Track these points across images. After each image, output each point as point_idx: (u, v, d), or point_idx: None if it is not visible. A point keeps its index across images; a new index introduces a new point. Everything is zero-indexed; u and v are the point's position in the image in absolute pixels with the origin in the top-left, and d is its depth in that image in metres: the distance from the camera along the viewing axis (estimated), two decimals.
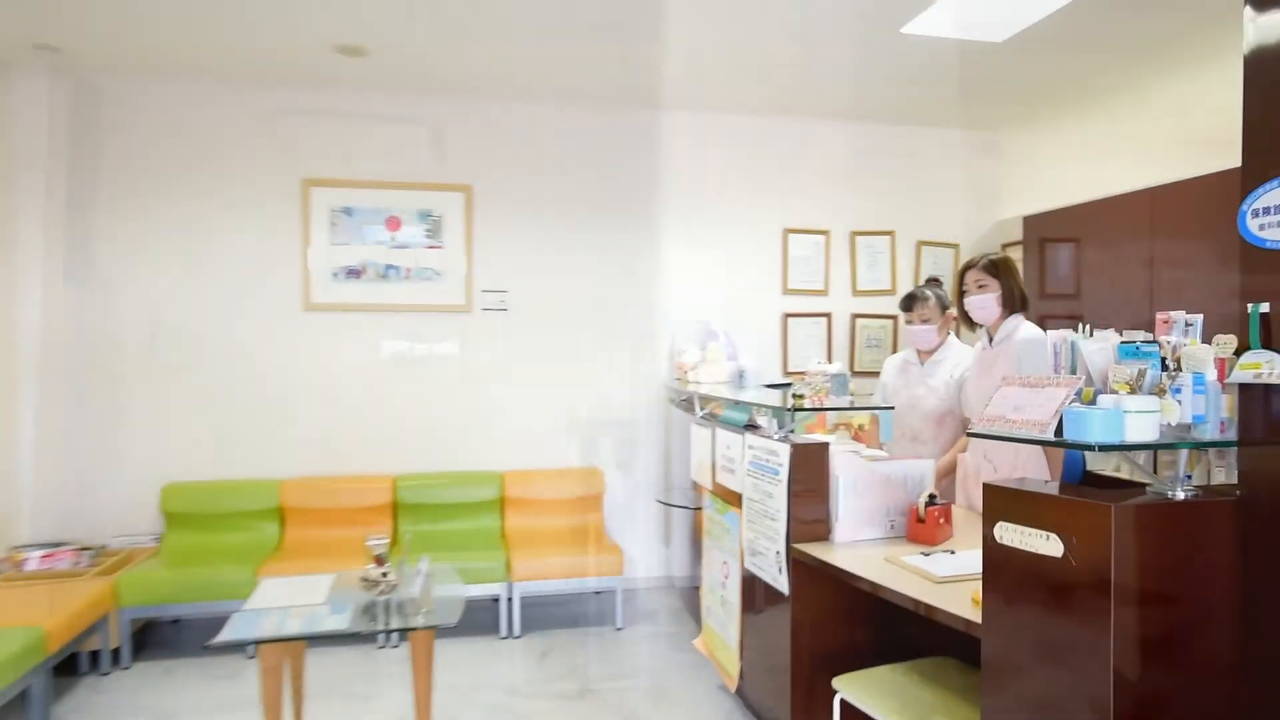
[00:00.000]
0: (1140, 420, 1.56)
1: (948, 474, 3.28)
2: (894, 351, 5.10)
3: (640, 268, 4.79)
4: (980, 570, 1.78)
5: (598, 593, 4.59)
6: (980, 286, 3.01)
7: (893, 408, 2.61)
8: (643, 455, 4.81)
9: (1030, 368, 2.85)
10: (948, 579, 2.11)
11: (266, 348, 4.37)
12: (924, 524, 2.51)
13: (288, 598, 2.71)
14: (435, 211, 4.51)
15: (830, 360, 5.03)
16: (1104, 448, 1.54)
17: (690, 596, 4.42)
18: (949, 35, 3.70)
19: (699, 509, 3.56)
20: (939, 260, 5.20)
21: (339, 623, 2.48)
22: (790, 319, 4.98)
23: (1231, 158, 1.78)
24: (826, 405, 2.63)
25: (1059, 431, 1.61)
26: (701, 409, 3.70)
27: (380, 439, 4.49)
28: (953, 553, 2.37)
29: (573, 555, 4.11)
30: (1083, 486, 1.75)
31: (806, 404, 2.63)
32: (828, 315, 5.03)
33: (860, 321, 5.07)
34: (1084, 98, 4.61)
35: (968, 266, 3.09)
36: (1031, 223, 4.59)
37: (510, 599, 4.04)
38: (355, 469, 4.45)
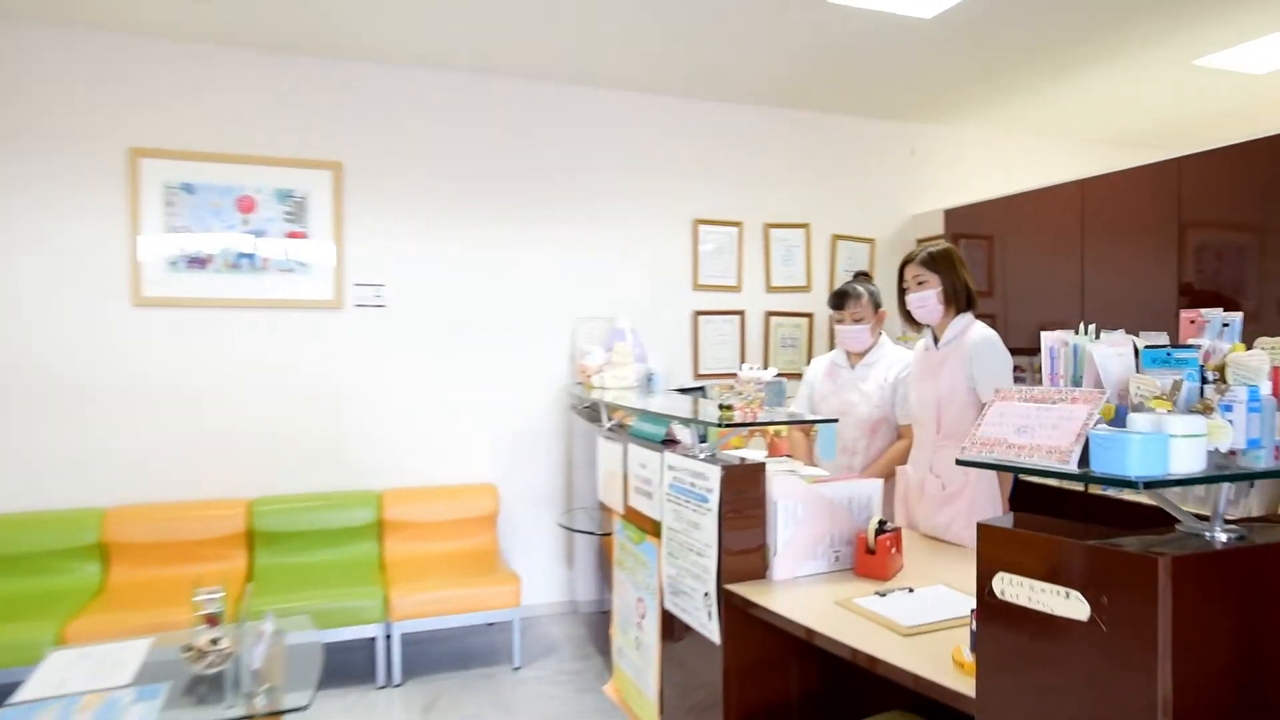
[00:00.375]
0: (1186, 447, 1.23)
1: (882, 476, 2.97)
2: (810, 352, 4.82)
3: (539, 260, 4.30)
4: (950, 616, 1.42)
5: (492, 624, 4.08)
6: (920, 283, 2.71)
7: (835, 420, 2.26)
8: (542, 469, 4.33)
9: (984, 374, 2.56)
10: (917, 630, 1.75)
11: (85, 351, 3.63)
12: (874, 555, 2.16)
13: (84, 676, 2.09)
14: (298, 191, 3.88)
15: (744, 361, 4.69)
16: (1149, 484, 1.20)
17: (597, 624, 3.98)
18: (872, 7, 3.40)
19: (608, 534, 3.12)
20: (855, 255, 4.96)
21: (146, 715, 1.89)
22: (701, 317, 4.61)
23: (1159, 152, 1.49)
24: (761, 419, 2.23)
25: (1084, 461, 1.26)
26: (609, 419, 3.26)
27: (231, 457, 3.83)
28: (910, 590, 2.02)
29: (463, 585, 3.59)
30: (1081, 524, 1.42)
31: (737, 417, 2.24)
32: (741, 313, 4.69)
33: (775, 320, 4.77)
34: (1005, 90, 4.45)
35: (907, 261, 2.78)
36: (952, 217, 4.40)
37: (389, 640, 3.48)
38: (200, 494, 3.76)
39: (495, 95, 4.20)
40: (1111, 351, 1.40)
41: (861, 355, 3.13)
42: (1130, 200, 3.45)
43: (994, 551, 1.40)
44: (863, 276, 3.21)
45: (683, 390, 4.35)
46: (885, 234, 5.03)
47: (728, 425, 2.14)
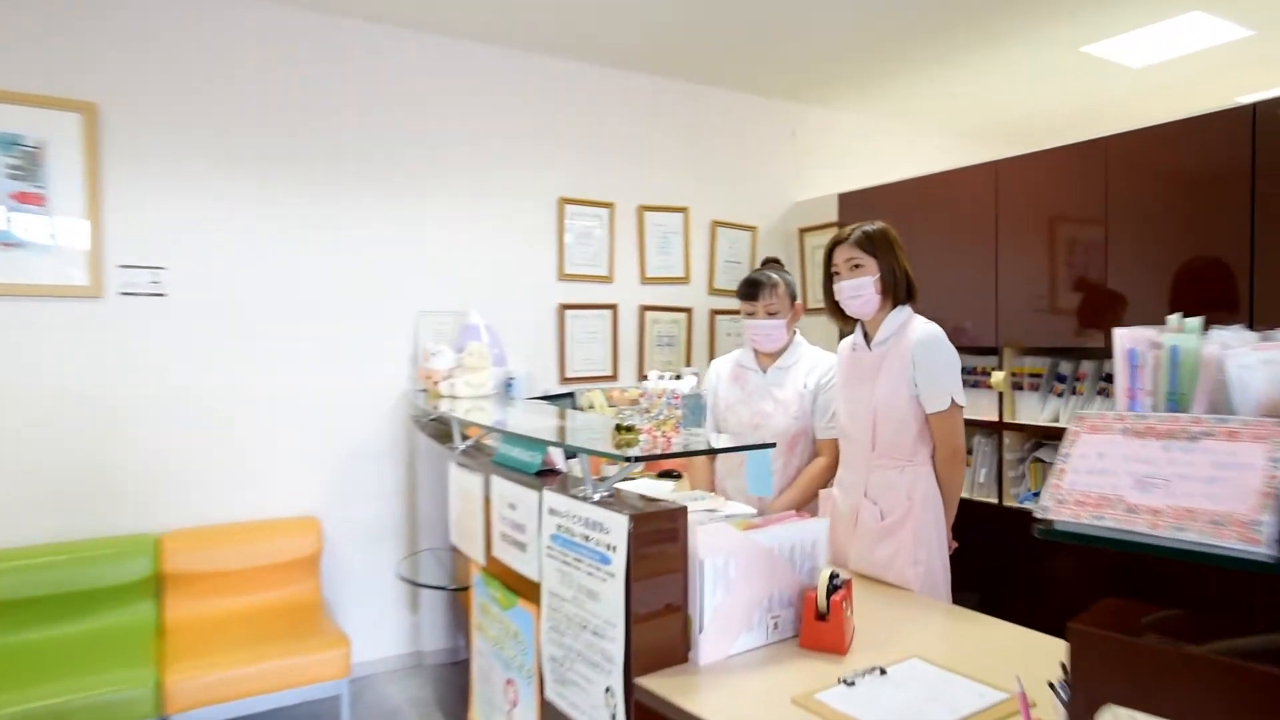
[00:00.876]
0: None
1: (797, 507, 2.50)
2: (688, 352, 4.32)
3: (372, 241, 3.52)
4: (952, 715, 0.91)
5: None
6: (855, 266, 2.24)
7: (772, 445, 1.73)
8: (378, 497, 3.55)
9: (930, 378, 2.11)
10: None
11: None
12: (826, 621, 1.64)
13: None
14: (29, 138, 2.90)
15: (617, 361, 4.13)
16: None
17: (449, 679, 3.27)
18: None
19: (464, 589, 2.44)
20: (736, 244, 4.52)
21: None
22: (569, 311, 4.00)
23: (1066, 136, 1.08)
24: (677, 448, 1.65)
25: None
26: (463, 438, 2.58)
27: None
28: (882, 671, 1.52)
29: (273, 655, 2.78)
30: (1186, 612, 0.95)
31: (643, 444, 1.65)
32: (613, 307, 4.12)
33: (650, 315, 4.23)
34: (890, 72, 4.15)
35: (836, 242, 2.30)
36: (849, 202, 4.03)
37: None
38: None
39: (317, 37, 3.38)
40: (1256, 359, 0.93)
41: (774, 356, 2.63)
42: (1049, 184, 3.17)
43: (1095, 667, 0.89)
44: (774, 263, 2.72)
45: (548, 398, 3.72)
46: (767, 222, 4.63)
47: (634, 459, 1.54)
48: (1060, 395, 3.21)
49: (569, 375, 3.98)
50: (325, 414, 3.42)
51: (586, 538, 1.64)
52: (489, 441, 2.49)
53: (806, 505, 2.50)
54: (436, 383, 3.19)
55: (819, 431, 2.55)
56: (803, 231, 4.63)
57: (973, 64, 4.11)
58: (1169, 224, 2.87)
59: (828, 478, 2.49)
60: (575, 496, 1.69)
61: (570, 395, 3.75)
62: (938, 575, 2.15)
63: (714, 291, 4.43)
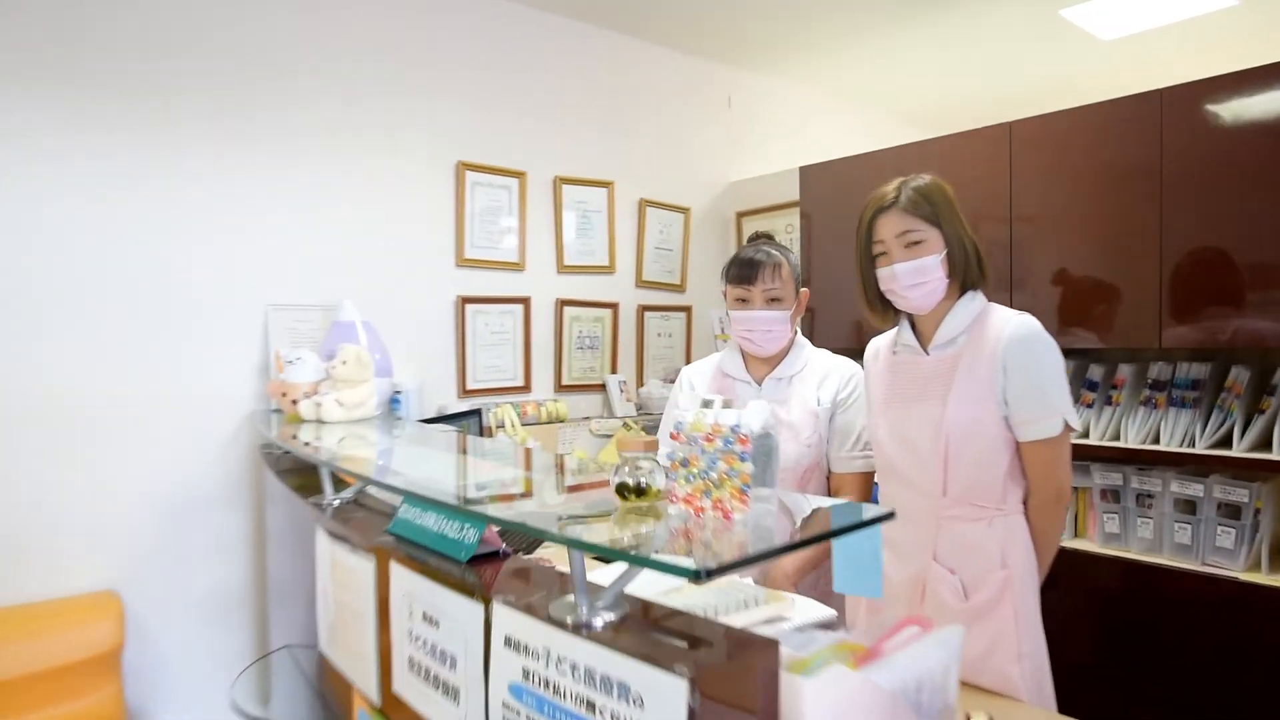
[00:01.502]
0: None
1: (813, 569, 1.85)
2: (614, 356, 3.59)
3: (207, 212, 2.58)
4: None
5: None
6: (913, 244, 1.60)
7: (889, 516, 1.05)
8: (207, 560, 2.61)
9: (1031, 392, 1.50)
10: None
11: None
12: None
13: None
14: None
15: (529, 369, 3.34)
16: None
17: None
18: None
19: None
20: (667, 228, 3.83)
21: None
22: (471, 306, 3.17)
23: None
24: (754, 542, 0.93)
25: None
26: (333, 490, 1.73)
27: None
28: None
29: None
30: None
31: (677, 526, 0.91)
32: (524, 301, 3.33)
33: (570, 312, 3.47)
34: (840, 34, 3.59)
35: (879, 209, 1.66)
36: (811, 176, 3.40)
37: None
38: None
39: None
40: None
41: (772, 362, 1.96)
42: (1069, 149, 2.63)
43: None
44: (763, 238, 2.04)
45: (447, 417, 2.89)
46: (701, 204, 3.97)
47: (710, 574, 0.80)
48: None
49: (471, 387, 3.16)
50: (133, 445, 2.45)
51: (590, 705, 0.88)
52: (383, 494, 1.67)
53: (820, 566, 1.84)
54: (295, 401, 2.31)
55: (838, 464, 1.90)
56: (741, 216, 4.01)
57: (937, 28, 3.62)
58: (1072, 216, 2.51)
59: None
60: (557, 622, 0.93)
61: (476, 413, 2.94)
62: (1044, 670, 1.53)
63: (643, 284, 3.72)
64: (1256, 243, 2.16)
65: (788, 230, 3.79)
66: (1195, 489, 2.22)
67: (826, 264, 3.31)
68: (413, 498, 1.34)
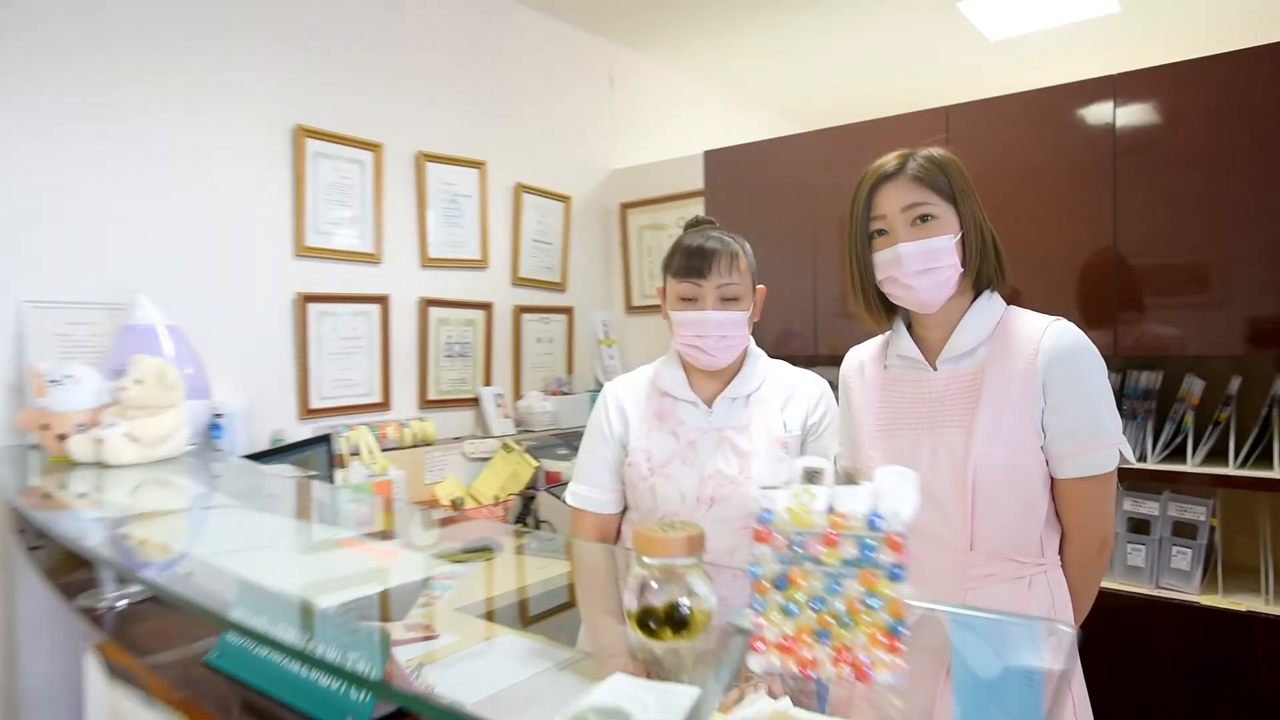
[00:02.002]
0: None
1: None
2: (486, 366, 3.09)
3: None
4: None
5: None
6: (922, 219, 1.28)
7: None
8: None
9: (1080, 422, 1.19)
10: None
11: None
12: None
13: None
14: None
15: (388, 382, 2.77)
16: None
17: None
18: None
19: None
20: (546, 218, 3.37)
21: None
22: (313, 306, 2.57)
23: None
24: None
25: None
26: (115, 587, 1.16)
27: None
28: None
29: None
30: None
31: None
32: (382, 300, 2.75)
33: (436, 314, 2.93)
34: (729, 18, 3.29)
35: (882, 178, 1.31)
36: (718, 162, 3.04)
37: None
38: None
39: None
40: None
41: (724, 377, 1.58)
42: (1006, 136, 2.44)
43: None
44: (705, 224, 1.64)
45: (287, 449, 2.29)
46: (581, 192, 3.54)
47: None
48: None
49: (317, 406, 2.55)
50: None
51: None
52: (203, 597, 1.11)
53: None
54: (63, 437, 1.65)
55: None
56: (626, 208, 3.62)
57: (829, 18, 3.41)
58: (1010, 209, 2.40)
59: None
60: None
61: (324, 440, 2.34)
62: None
63: (520, 282, 3.24)
64: (1147, 246, 2.08)
65: (679, 223, 3.44)
66: (1150, 507, 2.07)
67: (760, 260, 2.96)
68: (246, 632, 0.82)
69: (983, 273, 1.29)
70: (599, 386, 3.46)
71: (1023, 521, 1.23)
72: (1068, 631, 0.61)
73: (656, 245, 3.52)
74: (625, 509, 1.63)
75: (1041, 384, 1.21)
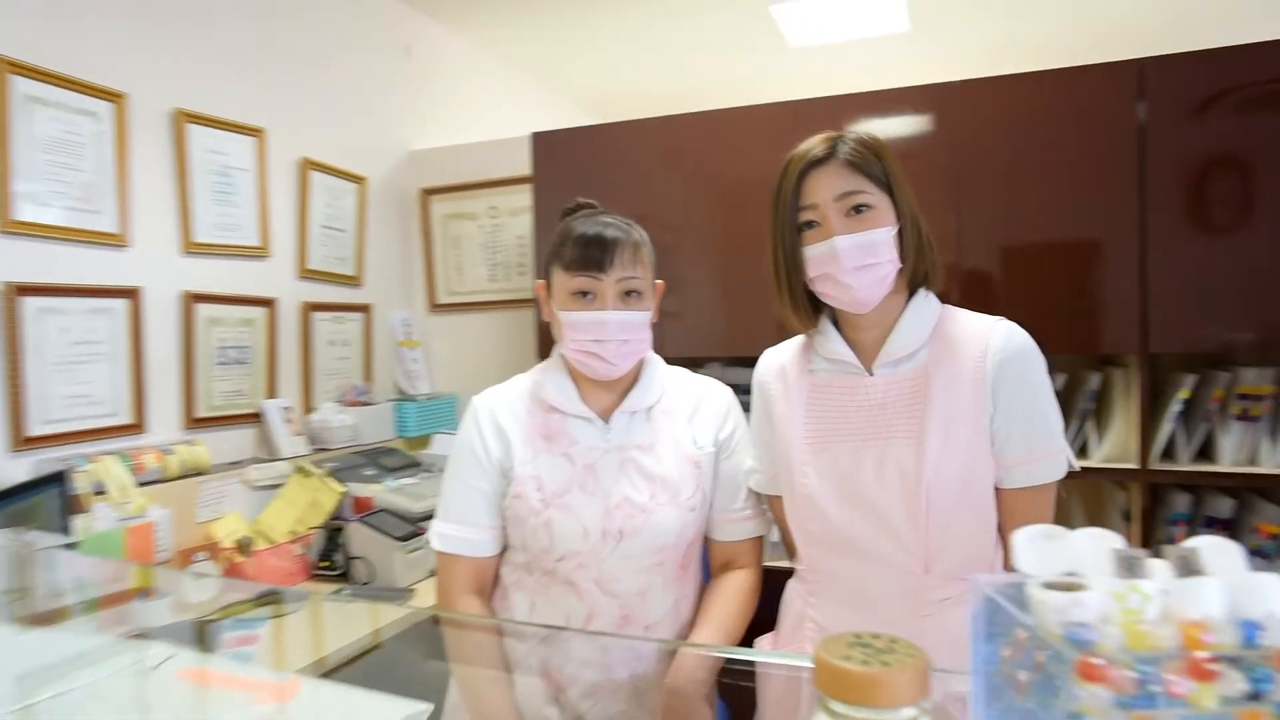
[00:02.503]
0: None
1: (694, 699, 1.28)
2: (270, 377, 2.60)
3: None
4: None
5: None
6: (857, 209, 1.15)
7: None
8: None
9: (1031, 429, 1.14)
10: None
11: None
12: None
13: None
14: None
15: (141, 397, 2.19)
16: None
17: None
18: None
19: None
20: (338, 201, 2.89)
21: None
22: (29, 300, 1.94)
23: None
24: None
25: None
26: None
27: None
28: None
29: None
30: None
31: None
32: (130, 293, 2.16)
33: (205, 311, 2.37)
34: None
35: (813, 163, 1.17)
36: (548, 146, 2.74)
37: None
38: None
39: None
40: None
41: (621, 387, 1.36)
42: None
43: None
44: (591, 208, 1.40)
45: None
46: (378, 174, 3.10)
47: None
48: None
49: (38, 433, 1.92)
50: None
51: None
52: None
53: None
54: None
55: (726, 528, 1.38)
56: (428, 194, 3.23)
57: (638, 8, 3.29)
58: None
59: (747, 613, 1.33)
60: None
61: (55, 480, 1.75)
62: None
63: (308, 274, 2.75)
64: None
65: (490, 213, 3.14)
66: None
67: None
68: None
69: (919, 269, 1.20)
70: (402, 395, 3.06)
71: (979, 537, 1.15)
72: None
73: (465, 236, 3.18)
74: (505, 548, 1.35)
75: (991, 388, 1.13)
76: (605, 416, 1.32)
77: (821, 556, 1.20)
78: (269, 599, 1.46)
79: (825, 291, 1.17)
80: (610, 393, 1.33)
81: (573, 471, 1.27)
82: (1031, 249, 2.15)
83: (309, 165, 2.74)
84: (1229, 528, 2.10)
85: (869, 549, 1.15)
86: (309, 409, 2.71)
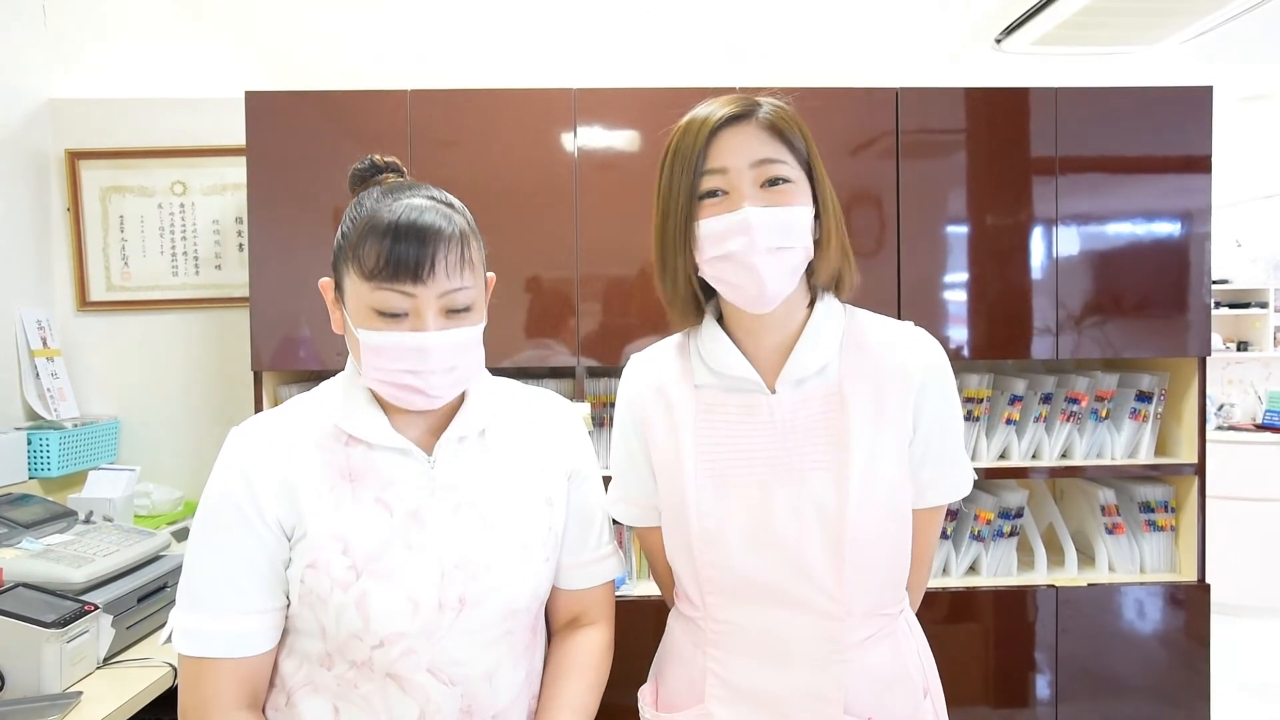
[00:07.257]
0: None
1: None
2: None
3: None
4: None
5: None
6: (774, 183, 0.99)
7: None
8: None
9: (947, 445, 1.07)
10: None
11: None
12: None
13: None
14: None
15: None
16: None
17: None
18: None
19: None
20: None
21: None
22: None
23: None
24: None
25: None
26: None
27: None
28: None
29: None
30: None
31: None
32: None
33: None
34: None
35: (725, 121, 0.99)
36: (265, 108, 2.14)
37: None
38: None
39: None
40: None
41: (445, 412, 1.05)
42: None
43: None
44: (397, 176, 1.07)
45: None
46: (5, 127, 2.28)
47: None
48: None
49: None
50: None
51: None
52: None
53: None
54: None
55: (577, 575, 1.14)
56: (76, 158, 2.47)
57: None
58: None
59: (602, 673, 1.11)
60: None
61: None
62: None
63: None
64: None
65: (176, 190, 2.50)
66: None
67: (317, 248, 2.20)
68: None
69: (837, 269, 1.05)
70: (35, 421, 2.32)
71: (897, 561, 1.04)
72: None
73: (134, 217, 2.49)
74: (284, 635, 0.97)
75: (915, 402, 1.02)
76: (426, 447, 1.00)
77: (724, 606, 1.01)
78: None
79: (723, 276, 0.98)
80: (428, 416, 1.02)
81: (391, 523, 0.94)
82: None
83: None
84: (953, 516, 2.35)
85: (784, 596, 0.98)
86: None
